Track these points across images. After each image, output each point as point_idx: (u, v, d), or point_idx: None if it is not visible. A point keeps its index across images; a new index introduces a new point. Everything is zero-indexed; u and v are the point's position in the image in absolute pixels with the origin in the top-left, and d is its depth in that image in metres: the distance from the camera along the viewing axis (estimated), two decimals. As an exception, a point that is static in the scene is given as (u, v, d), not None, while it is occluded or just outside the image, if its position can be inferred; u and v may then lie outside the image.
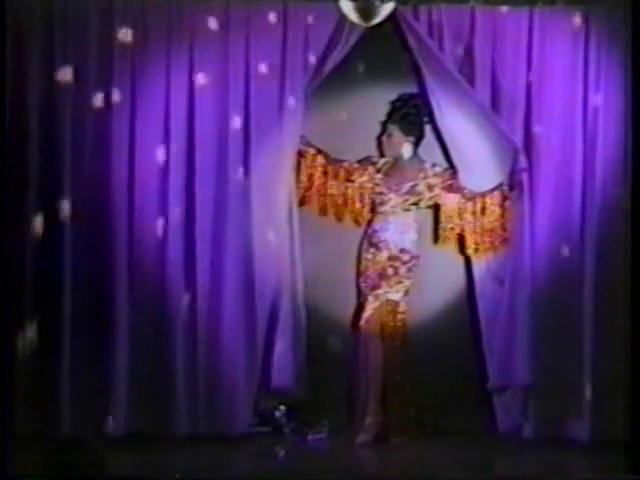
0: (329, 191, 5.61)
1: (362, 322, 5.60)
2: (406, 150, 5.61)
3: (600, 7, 5.46)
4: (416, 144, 5.66)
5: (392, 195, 5.59)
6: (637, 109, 5.24)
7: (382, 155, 5.68)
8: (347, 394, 5.65)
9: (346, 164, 5.63)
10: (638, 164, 5.24)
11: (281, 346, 5.51)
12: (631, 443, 5.04)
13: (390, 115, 5.60)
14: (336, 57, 5.47)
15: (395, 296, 5.57)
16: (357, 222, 5.68)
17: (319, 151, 5.62)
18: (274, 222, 5.45)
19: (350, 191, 5.62)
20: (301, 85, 5.46)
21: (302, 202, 5.63)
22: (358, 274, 5.67)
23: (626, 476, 4.87)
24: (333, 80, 5.56)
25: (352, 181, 5.63)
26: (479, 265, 5.60)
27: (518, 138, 5.52)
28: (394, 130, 5.60)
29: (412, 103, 5.57)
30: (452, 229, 5.63)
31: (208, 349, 5.44)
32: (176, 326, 5.40)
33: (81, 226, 5.36)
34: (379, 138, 5.71)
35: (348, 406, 5.65)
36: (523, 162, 5.51)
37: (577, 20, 5.50)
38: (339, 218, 5.66)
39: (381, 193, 5.60)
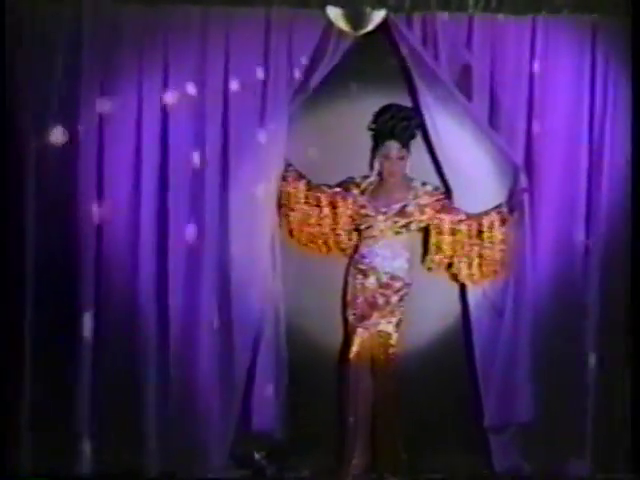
0: (310, 221, 5.36)
1: (351, 356, 5.31)
2: (409, 169, 5.33)
3: (608, 17, 5.19)
4: (405, 160, 5.41)
5: (380, 217, 5.30)
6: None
7: (380, 176, 5.38)
8: (333, 434, 5.39)
9: (327, 188, 5.36)
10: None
11: (262, 382, 5.24)
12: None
13: (391, 130, 5.27)
14: (323, 69, 5.20)
15: (387, 327, 5.29)
16: (343, 251, 5.43)
17: (300, 176, 5.34)
18: (254, 250, 5.20)
19: (331, 219, 5.36)
20: (284, 101, 5.19)
21: (284, 231, 5.40)
22: (345, 304, 5.40)
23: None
24: (318, 94, 5.33)
25: (335, 207, 5.35)
26: (475, 293, 5.37)
27: (518, 156, 5.28)
28: (393, 147, 5.28)
29: (409, 115, 5.30)
30: (445, 253, 5.37)
31: (181, 385, 5.17)
32: (146, 359, 5.15)
33: (45, 249, 5.10)
34: (372, 158, 5.41)
35: (334, 447, 5.38)
36: (524, 182, 5.26)
37: (583, 30, 5.26)
38: (323, 250, 5.43)
39: (367, 216, 5.32)
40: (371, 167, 5.40)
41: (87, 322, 5.07)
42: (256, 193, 5.18)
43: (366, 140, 5.38)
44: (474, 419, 5.32)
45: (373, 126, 5.33)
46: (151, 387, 5.12)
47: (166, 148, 5.12)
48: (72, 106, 5.06)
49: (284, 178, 5.29)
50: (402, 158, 5.27)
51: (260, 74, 5.15)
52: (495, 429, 5.30)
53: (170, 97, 5.11)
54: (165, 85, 5.11)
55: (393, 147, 5.27)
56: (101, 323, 5.11)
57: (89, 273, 5.08)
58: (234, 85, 5.15)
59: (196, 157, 5.14)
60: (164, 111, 5.11)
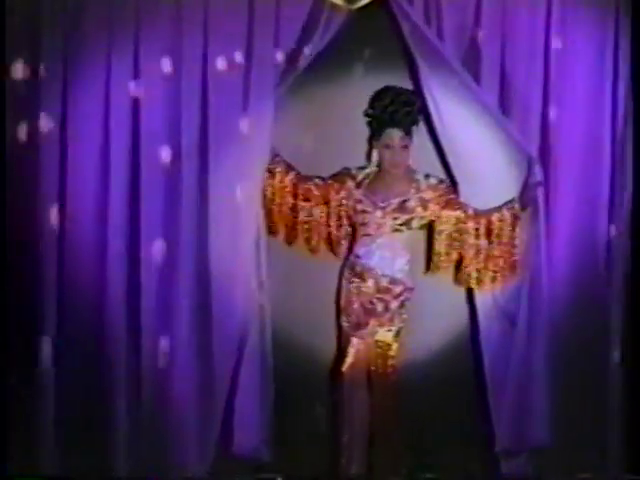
0: (300, 217, 5.16)
1: (345, 368, 5.08)
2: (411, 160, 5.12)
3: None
4: (406, 149, 5.27)
5: (378, 213, 5.07)
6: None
7: (379, 167, 5.14)
8: (325, 455, 5.20)
9: (319, 181, 5.14)
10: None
11: (245, 398, 5.01)
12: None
13: (392, 116, 5.01)
14: (313, 48, 4.94)
15: (385, 336, 5.06)
16: (337, 251, 5.22)
17: (289, 167, 5.12)
18: (236, 252, 4.97)
19: (324, 215, 5.16)
20: (270, 84, 4.94)
21: (270, 230, 5.18)
22: (339, 310, 5.18)
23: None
24: (308, 76, 5.10)
25: (328, 202, 5.14)
26: (484, 300, 5.14)
27: (532, 145, 5.04)
28: (395, 135, 5.03)
29: (411, 99, 5.06)
30: (450, 255, 5.13)
31: (155, 401, 4.94)
32: (114, 370, 4.91)
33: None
34: (370, 147, 5.16)
35: (326, 469, 5.17)
36: (538, 174, 5.02)
37: (606, 4, 5.02)
38: (313, 249, 5.22)
39: (364, 212, 5.09)
40: (368, 157, 5.18)
41: (46, 346, 4.87)
42: (239, 187, 4.95)
43: (363, 127, 5.15)
44: (483, 443, 5.15)
45: (370, 112, 5.09)
46: (121, 411, 4.91)
47: (136, 142, 4.90)
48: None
49: (270, 170, 5.07)
50: (405, 147, 5.06)
51: (241, 54, 4.89)
52: (507, 454, 5.10)
53: (140, 86, 4.88)
54: (135, 72, 4.87)
55: (395, 135, 5.04)
56: (64, 345, 4.89)
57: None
58: (214, 68, 4.89)
59: (170, 151, 4.92)
60: (134, 101, 4.88)
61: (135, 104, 4.84)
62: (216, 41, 4.85)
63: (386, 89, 5.05)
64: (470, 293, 5.20)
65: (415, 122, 5.04)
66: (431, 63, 4.98)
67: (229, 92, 4.87)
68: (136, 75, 4.84)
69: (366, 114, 5.07)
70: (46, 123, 4.78)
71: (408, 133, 5.02)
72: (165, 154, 4.87)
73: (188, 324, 4.91)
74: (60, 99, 4.81)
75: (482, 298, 5.12)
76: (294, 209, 5.12)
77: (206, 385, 4.91)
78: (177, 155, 4.88)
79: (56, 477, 4.82)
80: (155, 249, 4.89)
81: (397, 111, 4.98)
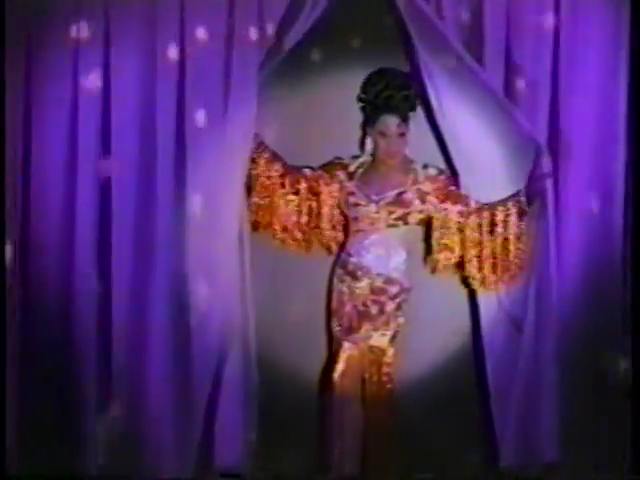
0: (287, 210, 5.03)
1: (336, 376, 4.92)
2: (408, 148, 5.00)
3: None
4: (401, 137, 5.22)
5: (372, 207, 4.92)
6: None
7: (373, 157, 4.99)
8: (314, 472, 5.02)
9: (308, 172, 5.01)
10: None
11: (227, 411, 4.84)
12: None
13: (387, 101, 4.86)
14: (301, 26, 4.78)
15: (380, 341, 4.90)
16: (327, 249, 5.09)
17: (275, 156, 4.96)
18: (217, 250, 4.80)
19: (313, 209, 5.04)
20: (253, 67, 4.76)
21: (254, 226, 5.03)
22: (329, 313, 5.03)
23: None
24: (295, 58, 4.95)
25: (317, 194, 5.01)
26: (488, 303, 4.97)
27: (540, 133, 4.86)
28: (391, 122, 4.88)
29: (407, 82, 4.91)
30: (451, 252, 4.98)
31: (128, 413, 4.77)
32: (84, 380, 4.76)
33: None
34: (363, 135, 5.01)
35: None
36: (547, 165, 4.83)
37: None
38: (303, 245, 5.09)
39: (357, 205, 4.94)
40: (361, 146, 5.03)
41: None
42: (219, 179, 4.78)
43: (355, 113, 4.99)
44: (487, 459, 5.01)
45: (363, 96, 4.91)
46: (90, 420, 4.76)
47: (105, 138, 4.77)
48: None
49: (254, 160, 4.91)
50: (402, 135, 4.91)
51: (222, 31, 4.72)
52: (514, 472, 4.91)
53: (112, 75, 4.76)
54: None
55: (391, 122, 4.89)
56: (33, 344, 4.78)
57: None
58: (192, 49, 4.72)
59: (143, 142, 4.77)
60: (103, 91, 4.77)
61: (105, 93, 4.72)
62: (194, 19, 4.69)
63: (380, 72, 4.89)
64: (472, 295, 5.04)
65: (412, 108, 4.90)
66: (429, 43, 4.83)
67: (208, 75, 4.70)
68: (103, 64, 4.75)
69: (359, 99, 4.91)
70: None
71: (405, 120, 4.87)
72: (138, 145, 4.74)
73: (162, 333, 4.77)
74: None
75: (485, 300, 4.97)
76: (281, 202, 4.98)
77: (184, 400, 4.76)
78: (151, 146, 4.72)
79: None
80: (126, 251, 4.75)
81: (392, 96, 4.83)
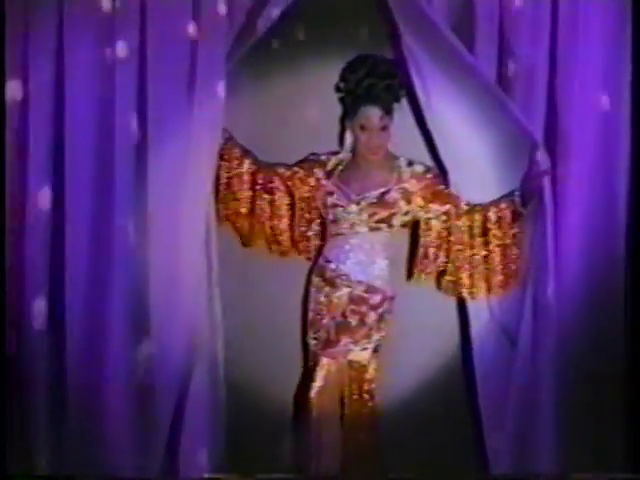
0: (259, 211, 4.86)
1: (312, 394, 4.71)
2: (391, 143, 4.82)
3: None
4: (383, 131, 5.18)
5: (352, 208, 4.72)
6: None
7: (353, 153, 4.80)
8: None
9: (281, 169, 4.85)
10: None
11: (192, 432, 4.61)
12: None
13: (368, 91, 4.66)
14: (273, 9, 4.57)
15: (361, 356, 4.71)
16: (303, 253, 4.93)
17: (245, 152, 4.78)
18: (182, 255, 4.60)
19: (287, 210, 4.89)
20: (220, 54, 4.56)
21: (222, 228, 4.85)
22: (305, 325, 4.85)
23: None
24: (269, 42, 4.80)
25: (292, 194, 4.86)
26: (479, 313, 4.81)
27: (537, 129, 4.69)
28: (372, 114, 4.68)
29: (391, 70, 4.71)
30: (438, 258, 4.81)
31: (83, 433, 4.51)
32: (37, 393, 4.53)
33: None
34: (342, 129, 4.82)
35: None
36: (544, 162, 4.66)
37: None
38: (275, 251, 4.94)
39: (335, 206, 4.75)
40: (341, 141, 4.84)
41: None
42: (184, 177, 4.58)
43: (334, 105, 4.82)
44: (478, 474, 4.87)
45: (343, 86, 4.73)
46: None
47: (62, 131, 4.54)
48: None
49: (222, 156, 4.73)
50: (384, 128, 4.73)
51: (187, 17, 4.50)
52: None
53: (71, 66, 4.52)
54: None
55: (373, 114, 4.70)
56: None
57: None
58: (156, 37, 4.49)
59: (103, 134, 4.55)
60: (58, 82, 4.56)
61: (58, 84, 4.52)
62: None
63: (361, 58, 4.73)
64: (462, 304, 4.88)
65: (396, 98, 4.71)
66: (415, 27, 4.64)
67: (171, 62, 4.47)
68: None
69: (337, 88, 4.74)
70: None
71: (388, 112, 4.69)
72: (97, 138, 4.53)
73: (121, 344, 4.52)
74: None
75: (476, 310, 4.80)
76: (252, 203, 4.80)
77: (143, 427, 4.55)
78: (110, 141, 4.52)
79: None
80: (82, 254, 4.52)
81: (374, 85, 4.65)
